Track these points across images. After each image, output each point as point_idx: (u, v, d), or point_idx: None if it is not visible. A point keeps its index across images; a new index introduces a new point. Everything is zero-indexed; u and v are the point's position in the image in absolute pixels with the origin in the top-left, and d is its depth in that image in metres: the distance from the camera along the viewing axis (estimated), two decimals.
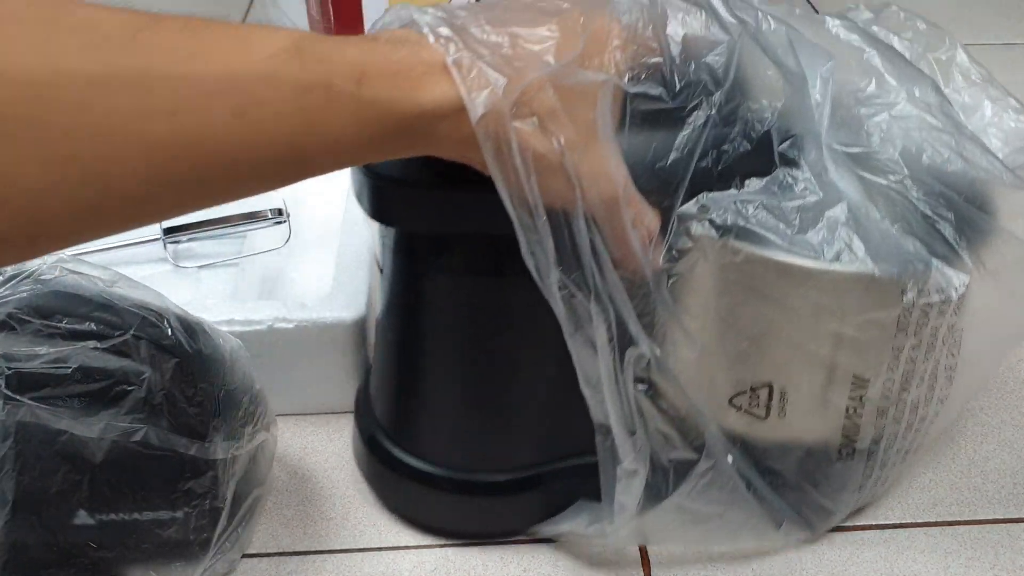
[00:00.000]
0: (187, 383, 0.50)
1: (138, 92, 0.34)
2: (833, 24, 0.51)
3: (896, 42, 0.55)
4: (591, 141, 0.42)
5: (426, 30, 0.40)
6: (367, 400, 0.60)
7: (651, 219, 0.44)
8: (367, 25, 0.94)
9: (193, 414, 0.50)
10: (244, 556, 0.57)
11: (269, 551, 0.57)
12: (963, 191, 0.47)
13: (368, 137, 0.38)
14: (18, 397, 0.46)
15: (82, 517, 0.48)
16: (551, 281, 0.43)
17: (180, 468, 0.50)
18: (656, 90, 0.43)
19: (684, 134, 0.44)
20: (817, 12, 0.54)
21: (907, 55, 0.55)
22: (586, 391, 0.47)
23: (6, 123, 0.32)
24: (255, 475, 0.56)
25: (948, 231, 0.45)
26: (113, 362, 0.48)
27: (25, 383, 0.46)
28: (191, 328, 0.52)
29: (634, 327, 0.45)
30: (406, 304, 0.53)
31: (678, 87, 0.43)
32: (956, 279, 0.45)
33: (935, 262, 0.45)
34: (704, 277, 0.46)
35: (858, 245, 0.45)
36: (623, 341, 0.45)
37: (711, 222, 0.45)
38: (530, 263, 0.43)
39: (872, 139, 0.47)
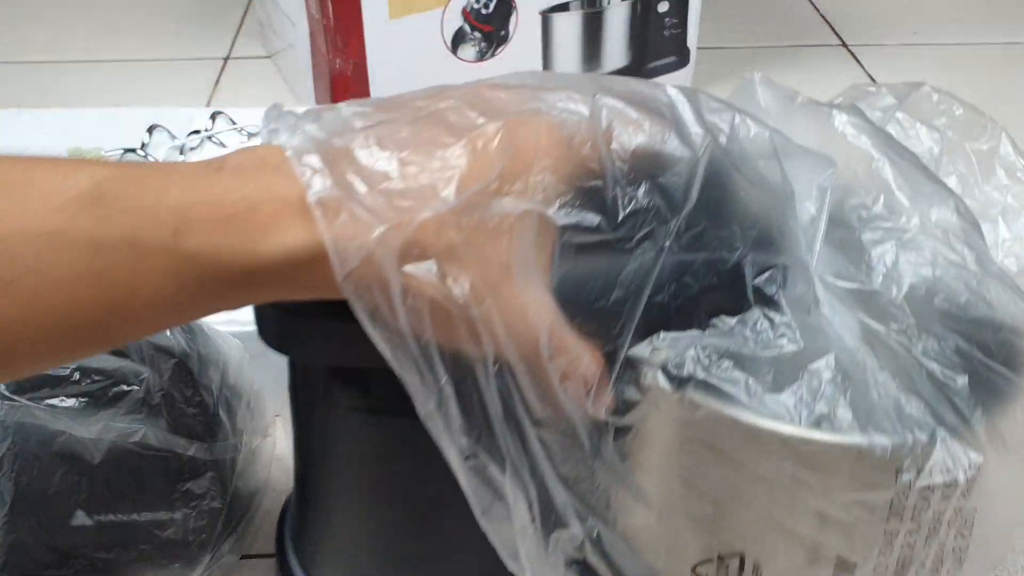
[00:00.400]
0: (186, 383, 0.50)
1: None
2: (840, 121, 0.42)
3: (924, 132, 0.46)
4: (504, 283, 0.34)
5: (290, 154, 0.32)
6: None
7: (587, 366, 0.36)
8: (368, 25, 0.88)
9: (192, 414, 0.50)
10: (244, 556, 0.56)
11: (269, 551, 0.55)
12: (984, 342, 0.38)
13: (193, 294, 0.31)
14: (16, 397, 0.46)
15: (80, 518, 0.47)
16: (454, 452, 0.35)
17: (179, 469, 0.49)
18: (593, 220, 0.35)
19: (630, 268, 0.36)
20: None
21: (937, 147, 0.46)
22: (511, 566, 0.39)
23: None
24: (254, 475, 0.55)
25: (959, 399, 0.37)
26: (112, 362, 0.47)
27: (24, 383, 0.46)
28: (191, 328, 0.52)
29: (562, 502, 0.37)
30: (307, 433, 0.46)
31: (621, 215, 0.35)
32: (965, 458, 0.37)
33: (941, 433, 0.37)
34: (659, 430, 0.38)
35: (844, 411, 0.36)
36: (548, 521, 0.37)
37: (664, 371, 0.37)
38: (431, 429, 0.35)
39: (874, 274, 0.39)
